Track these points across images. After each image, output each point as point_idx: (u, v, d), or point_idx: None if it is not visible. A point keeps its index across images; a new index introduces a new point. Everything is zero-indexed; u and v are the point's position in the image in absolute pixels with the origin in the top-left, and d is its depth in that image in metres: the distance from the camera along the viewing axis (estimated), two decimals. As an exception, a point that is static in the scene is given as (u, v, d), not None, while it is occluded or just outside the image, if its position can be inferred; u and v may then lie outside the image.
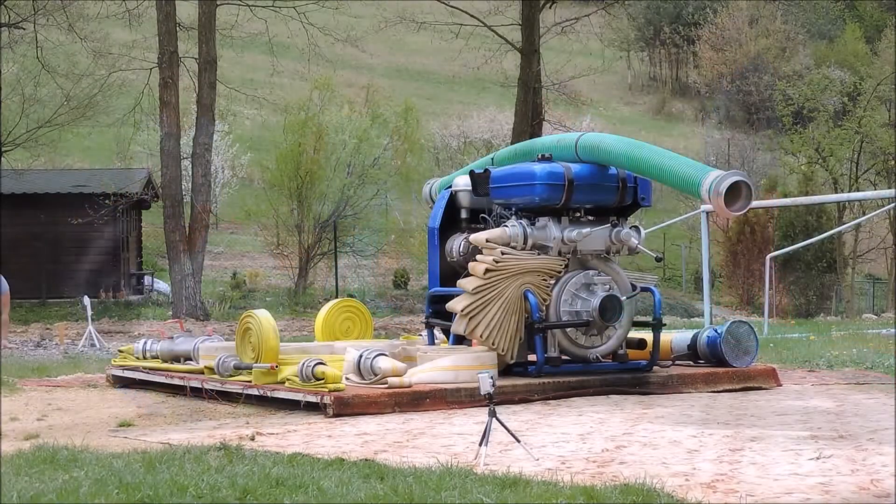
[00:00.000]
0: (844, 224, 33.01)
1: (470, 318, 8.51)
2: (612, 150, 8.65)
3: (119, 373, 9.56)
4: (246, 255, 36.37)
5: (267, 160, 34.55)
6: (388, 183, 32.27)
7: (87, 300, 17.64)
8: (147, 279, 29.91)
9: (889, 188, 32.65)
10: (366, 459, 5.16)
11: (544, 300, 8.61)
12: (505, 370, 8.62)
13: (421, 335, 10.28)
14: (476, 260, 8.69)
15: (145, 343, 9.79)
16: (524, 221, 8.83)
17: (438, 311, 9.43)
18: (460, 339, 8.99)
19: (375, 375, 8.01)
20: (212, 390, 8.38)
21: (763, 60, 58.38)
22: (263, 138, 43.07)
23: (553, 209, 8.81)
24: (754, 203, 11.32)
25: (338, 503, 4.20)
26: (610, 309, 8.58)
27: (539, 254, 8.72)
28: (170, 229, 23.68)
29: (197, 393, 8.50)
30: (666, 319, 18.01)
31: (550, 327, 8.60)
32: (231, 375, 8.50)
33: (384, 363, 8.02)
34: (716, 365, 9.20)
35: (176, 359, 9.43)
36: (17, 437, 6.24)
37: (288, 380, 7.88)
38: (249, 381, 8.18)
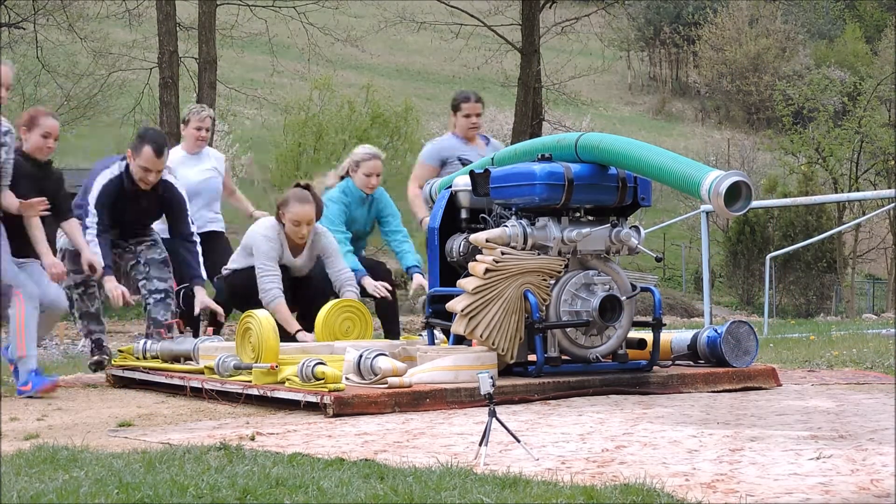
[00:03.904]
0: (844, 224, 33.04)
1: (470, 319, 8.51)
2: (612, 150, 8.64)
3: (119, 373, 9.55)
4: (246, 255, 36.33)
5: (267, 160, 34.57)
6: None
7: (87, 300, 17.60)
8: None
9: (889, 188, 32.67)
10: (366, 459, 5.15)
11: (544, 300, 8.61)
12: (505, 370, 8.60)
13: (421, 335, 10.27)
14: (476, 260, 8.69)
15: (145, 343, 9.77)
16: (524, 221, 8.82)
17: (438, 311, 9.41)
18: (460, 339, 8.97)
19: (375, 375, 8.01)
20: (212, 390, 8.38)
21: (763, 60, 58.47)
22: (263, 138, 43.10)
23: (553, 209, 8.80)
24: (754, 203, 11.31)
25: (338, 503, 4.20)
26: (610, 309, 8.57)
27: (539, 254, 8.72)
28: (170, 229, 23.65)
29: (197, 393, 8.50)
30: (666, 319, 18.02)
31: (550, 327, 8.59)
32: (231, 375, 8.49)
33: (384, 363, 8.01)
34: (716, 365, 9.19)
35: (176, 359, 9.42)
36: (17, 437, 6.24)
37: (288, 380, 7.88)
38: (249, 381, 8.17)
